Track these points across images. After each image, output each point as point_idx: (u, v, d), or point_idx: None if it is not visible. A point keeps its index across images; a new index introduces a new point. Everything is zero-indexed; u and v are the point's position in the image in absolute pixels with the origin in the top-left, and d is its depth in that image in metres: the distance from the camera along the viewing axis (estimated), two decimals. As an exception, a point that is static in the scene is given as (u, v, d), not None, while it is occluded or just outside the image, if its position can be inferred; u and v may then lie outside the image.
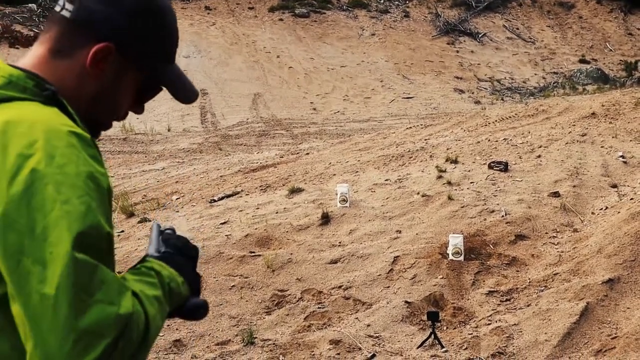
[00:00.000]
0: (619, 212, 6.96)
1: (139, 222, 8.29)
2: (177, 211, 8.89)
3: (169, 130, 17.85)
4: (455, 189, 8.17)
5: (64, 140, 1.32)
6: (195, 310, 1.58)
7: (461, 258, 6.24)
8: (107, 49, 1.48)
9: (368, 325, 5.36)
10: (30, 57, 1.50)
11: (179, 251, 1.59)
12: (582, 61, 28.01)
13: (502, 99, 23.03)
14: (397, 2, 32.32)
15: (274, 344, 5.18)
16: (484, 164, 9.32)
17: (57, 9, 1.50)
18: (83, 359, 1.20)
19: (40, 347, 1.21)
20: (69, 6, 1.49)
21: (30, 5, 30.60)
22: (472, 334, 5.19)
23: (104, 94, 1.53)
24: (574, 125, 11.75)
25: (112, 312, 1.24)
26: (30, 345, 1.23)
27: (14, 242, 1.24)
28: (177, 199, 9.77)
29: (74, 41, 1.48)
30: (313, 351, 5.04)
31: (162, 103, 19.83)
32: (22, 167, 1.27)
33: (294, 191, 8.77)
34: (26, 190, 1.26)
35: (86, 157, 1.33)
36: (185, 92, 1.66)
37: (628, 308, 5.22)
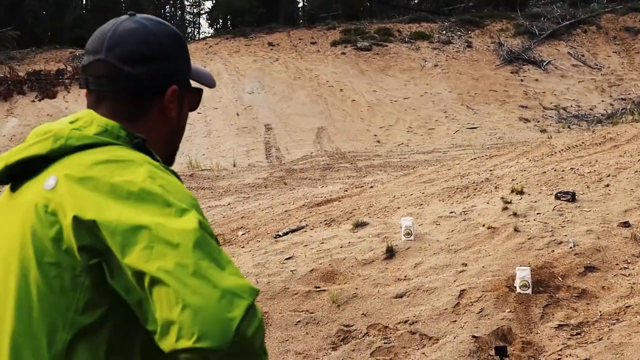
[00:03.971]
0: (692, 242, 6.77)
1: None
2: (243, 247, 8.97)
3: (234, 165, 18.07)
4: (522, 221, 8.06)
5: (162, 170, 1.53)
6: None
7: (529, 291, 6.14)
8: (175, 93, 1.67)
9: (435, 361, 5.31)
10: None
11: None
12: (651, 86, 27.48)
13: (569, 127, 22.71)
14: (459, 33, 32.27)
15: (340, 380, 5.16)
16: (551, 194, 9.18)
17: (94, 87, 1.65)
18: (229, 313, 1.33)
19: (190, 307, 1.32)
20: (101, 81, 1.64)
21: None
22: (541, 369, 5.09)
23: (177, 128, 1.73)
24: (644, 152, 11.50)
25: (245, 282, 1.39)
26: (175, 313, 1.32)
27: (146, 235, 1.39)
28: (242, 234, 9.86)
29: (141, 107, 1.64)
30: (379, 387, 5.00)
31: (227, 139, 20.12)
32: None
33: (359, 225, 8.76)
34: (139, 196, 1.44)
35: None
36: (209, 80, 1.83)
37: None
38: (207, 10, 57.92)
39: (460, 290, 6.32)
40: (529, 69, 29.08)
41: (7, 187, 1.63)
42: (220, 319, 1.31)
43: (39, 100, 25.87)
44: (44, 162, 1.53)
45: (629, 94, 26.88)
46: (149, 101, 1.63)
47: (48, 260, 1.45)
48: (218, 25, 51.14)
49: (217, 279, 1.34)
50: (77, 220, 1.41)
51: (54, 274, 1.45)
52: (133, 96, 1.62)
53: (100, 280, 1.43)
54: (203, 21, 72.56)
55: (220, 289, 1.33)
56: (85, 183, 1.46)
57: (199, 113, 21.33)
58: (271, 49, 30.43)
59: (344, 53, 30.24)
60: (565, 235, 7.39)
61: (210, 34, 45.15)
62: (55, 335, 1.44)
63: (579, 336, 5.52)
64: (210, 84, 1.82)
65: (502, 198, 9.13)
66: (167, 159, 1.69)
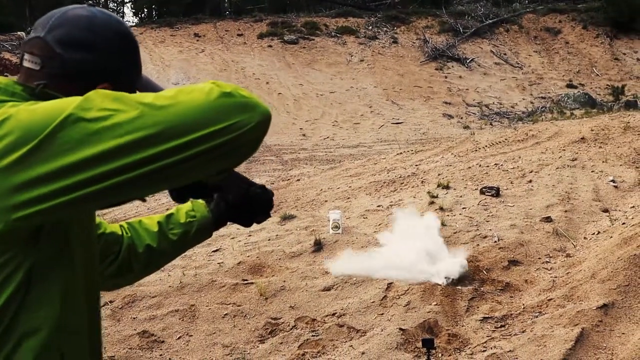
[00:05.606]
0: (611, 237, 6.96)
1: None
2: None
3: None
4: (448, 215, 8.17)
5: None
6: None
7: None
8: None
9: (363, 353, 5.32)
10: None
11: None
12: (570, 86, 28.18)
13: (491, 124, 23.11)
14: (385, 28, 32.50)
15: (268, 373, 5.13)
16: (476, 189, 9.33)
17: (27, 64, 1.60)
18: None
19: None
20: (34, 59, 1.59)
21: (18, 32, 30.62)
22: (467, 361, 5.16)
23: None
24: (564, 150, 11.80)
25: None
26: None
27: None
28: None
29: (66, 93, 1.53)
30: (308, 380, 4.99)
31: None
32: None
33: (286, 218, 8.74)
34: None
35: None
36: None
37: (623, 333, 5.20)
38: (132, -2, 56.90)
39: (388, 284, 6.36)
40: (452, 66, 29.51)
41: None
42: None
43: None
44: None
45: (549, 92, 27.53)
46: (76, 90, 1.53)
47: None
48: (143, 15, 50.41)
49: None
50: None
51: None
52: (60, 80, 1.57)
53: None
54: (127, 10, 71.29)
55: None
56: None
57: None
58: (197, 40, 30.13)
59: (270, 46, 30.13)
60: (490, 230, 7.52)
61: (134, 24, 44.44)
62: None
63: (503, 328, 5.62)
64: None
65: (429, 192, 9.23)
66: None
